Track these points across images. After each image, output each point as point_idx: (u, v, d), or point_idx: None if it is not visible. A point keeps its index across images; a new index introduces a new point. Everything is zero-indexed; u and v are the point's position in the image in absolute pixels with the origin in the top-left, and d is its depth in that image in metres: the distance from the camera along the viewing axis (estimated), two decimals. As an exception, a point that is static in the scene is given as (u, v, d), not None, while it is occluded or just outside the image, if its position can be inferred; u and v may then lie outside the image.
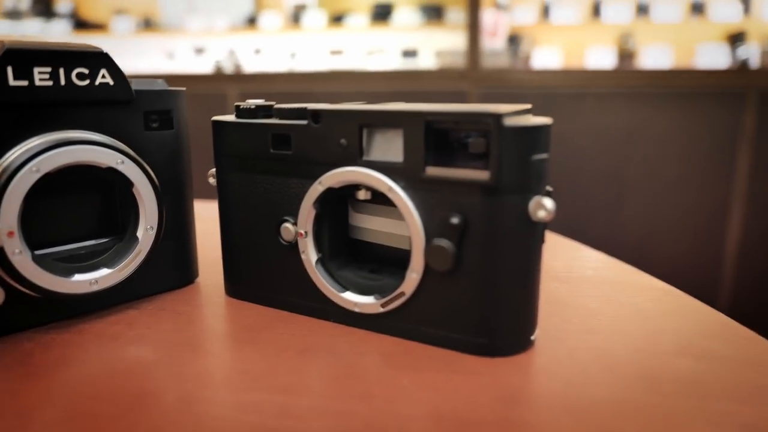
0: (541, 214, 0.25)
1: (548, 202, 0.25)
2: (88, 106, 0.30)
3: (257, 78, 1.69)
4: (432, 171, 0.26)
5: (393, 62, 2.09)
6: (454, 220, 0.25)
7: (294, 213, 0.30)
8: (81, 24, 2.29)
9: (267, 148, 0.30)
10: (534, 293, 0.27)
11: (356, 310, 0.29)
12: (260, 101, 0.32)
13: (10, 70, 0.27)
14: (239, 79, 1.70)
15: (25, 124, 0.28)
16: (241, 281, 0.34)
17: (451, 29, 1.93)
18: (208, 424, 0.22)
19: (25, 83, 0.28)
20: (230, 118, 0.32)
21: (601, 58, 1.93)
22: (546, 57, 1.93)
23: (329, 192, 0.29)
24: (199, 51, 2.23)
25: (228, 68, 2.09)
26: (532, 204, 0.25)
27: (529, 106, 0.27)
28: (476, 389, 0.24)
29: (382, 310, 0.28)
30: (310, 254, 0.30)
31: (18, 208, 0.27)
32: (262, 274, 0.33)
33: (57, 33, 2.23)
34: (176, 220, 0.35)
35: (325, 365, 0.27)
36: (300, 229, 0.30)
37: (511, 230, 0.25)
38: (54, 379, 0.25)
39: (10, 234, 0.27)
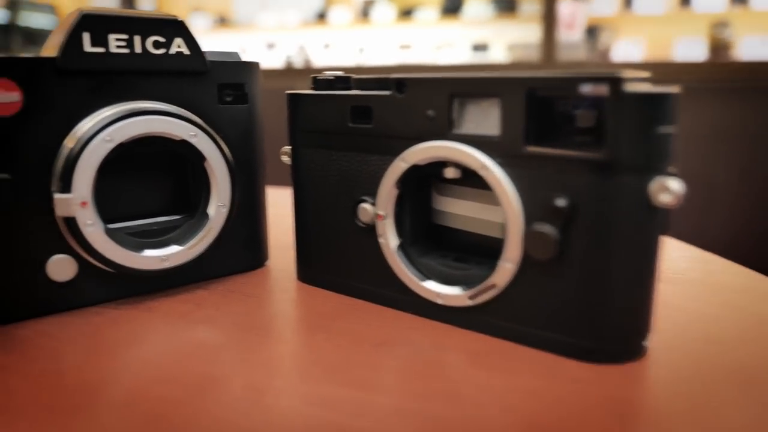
0: (665, 198, 0.21)
1: (674, 184, 0.21)
2: (162, 77, 0.29)
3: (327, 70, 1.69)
4: (534, 146, 0.23)
5: (463, 56, 2.04)
6: (560, 203, 0.22)
7: (373, 192, 0.28)
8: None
9: (345, 122, 0.28)
10: (650, 291, 0.23)
11: (439, 301, 0.27)
12: (339, 72, 0.30)
13: (86, 36, 0.26)
14: (309, 73, 1.70)
15: (99, 92, 0.27)
16: (314, 266, 0.32)
17: (525, 21, 1.86)
18: (277, 417, 0.20)
19: (101, 50, 0.27)
20: (307, 90, 0.30)
21: (691, 49, 1.80)
22: (627, 49, 1.83)
23: (413, 170, 0.26)
24: (271, 46, 2.26)
25: (298, 63, 2.11)
26: (653, 186, 0.21)
27: (647, 73, 0.23)
28: (580, 400, 0.21)
29: (469, 303, 0.26)
30: (389, 238, 0.28)
31: (91, 178, 0.26)
32: (335, 259, 0.30)
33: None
34: (248, 199, 0.33)
35: (404, 360, 0.24)
36: (379, 210, 0.28)
37: (627, 216, 0.22)
38: (120, 356, 0.24)
39: (83, 204, 0.26)
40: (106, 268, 0.28)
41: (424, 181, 0.28)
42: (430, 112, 0.25)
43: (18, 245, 0.26)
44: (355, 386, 0.22)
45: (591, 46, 1.78)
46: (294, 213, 0.32)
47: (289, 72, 1.76)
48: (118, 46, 0.27)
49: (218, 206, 0.30)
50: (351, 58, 2.15)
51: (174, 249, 0.29)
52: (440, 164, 0.26)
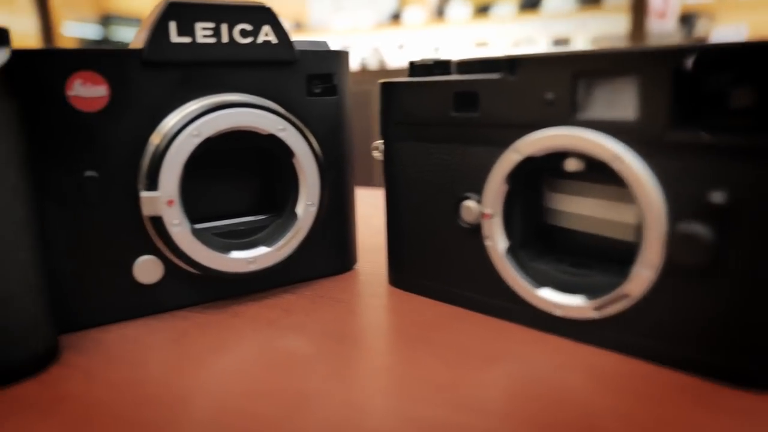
0: None
1: None
2: (249, 67, 0.27)
3: (401, 73, 1.67)
4: (681, 131, 0.19)
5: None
6: (716, 199, 0.18)
7: (478, 189, 0.25)
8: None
9: (447, 111, 0.25)
10: (831, 306, 0.19)
11: (557, 312, 0.23)
12: (437, 57, 0.27)
13: (173, 25, 0.25)
14: (383, 75, 1.69)
15: (185, 85, 0.26)
16: (408, 270, 0.29)
17: (611, 12, 1.76)
18: (383, 444, 0.17)
19: (187, 40, 0.25)
20: (402, 78, 0.28)
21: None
22: (727, 37, 1.69)
23: (526, 163, 0.23)
24: (345, 49, 2.28)
25: (372, 65, 2.11)
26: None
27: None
28: (751, 437, 0.17)
29: (594, 315, 0.22)
30: (497, 240, 0.24)
31: (178, 175, 0.25)
32: (433, 263, 0.28)
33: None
34: (336, 198, 0.31)
35: (518, 380, 0.21)
36: (486, 208, 0.25)
37: (806, 214, 0.18)
38: (207, 366, 0.22)
39: (170, 203, 0.25)
40: (192, 270, 0.27)
41: (536, 176, 0.25)
42: (549, 95, 0.22)
43: (105, 246, 0.25)
44: (467, 408, 0.19)
45: (686, 34, 1.66)
46: (386, 213, 0.30)
47: (363, 73, 1.76)
48: (205, 36, 0.26)
49: (307, 205, 0.28)
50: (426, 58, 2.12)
51: (261, 250, 0.28)
52: (559, 156, 0.22)
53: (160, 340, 0.25)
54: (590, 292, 0.22)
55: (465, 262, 0.26)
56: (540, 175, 0.25)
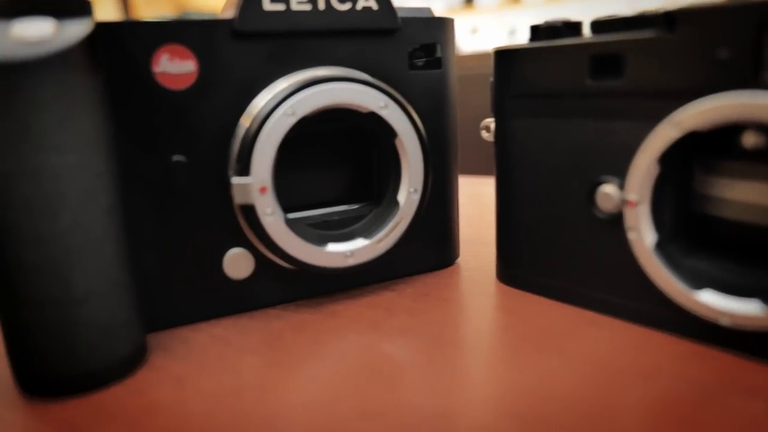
0: None
1: None
2: (347, 38, 0.24)
3: (474, 58, 1.61)
4: None
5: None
6: None
7: (619, 172, 0.21)
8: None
9: (581, 79, 0.21)
10: None
11: (724, 321, 0.19)
12: (564, 19, 0.23)
13: (266, -11, 0.22)
14: (457, 60, 1.64)
15: (278, 59, 0.23)
16: (524, 266, 0.25)
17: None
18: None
19: (281, 8, 0.23)
20: (521, 44, 0.24)
21: None
22: None
23: (687, 139, 0.19)
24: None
25: None
26: None
27: None
28: None
29: (779, 326, 0.18)
30: (643, 233, 0.20)
31: (272, 159, 0.22)
32: (557, 258, 0.24)
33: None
34: (440, 185, 0.28)
35: (686, 403, 0.17)
36: (630, 195, 0.20)
37: None
38: (308, 374, 0.20)
39: (263, 190, 0.22)
40: (285, 265, 0.24)
41: (690, 155, 0.20)
42: (723, 54, 0.18)
43: (192, 237, 0.23)
44: (628, 441, 0.15)
45: None
46: (498, 201, 0.26)
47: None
48: (300, 2, 0.23)
49: (409, 192, 0.25)
50: (500, 42, 2.04)
51: (360, 243, 0.25)
52: (730, 129, 0.18)
53: (254, 342, 0.22)
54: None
55: (599, 258, 0.22)
56: (693, 154, 0.21)
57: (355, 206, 0.27)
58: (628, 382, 0.18)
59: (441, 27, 0.26)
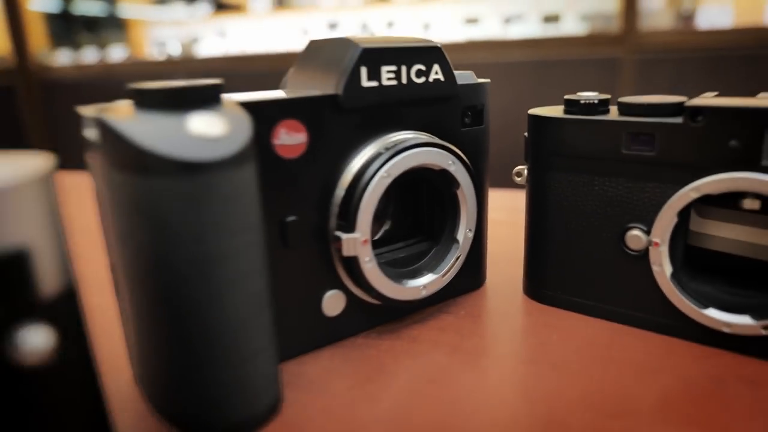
0: None
1: None
2: (419, 105, 0.29)
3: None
4: None
5: (532, 30, 1.98)
6: None
7: (645, 219, 0.27)
8: (220, 6, 2.38)
9: (618, 148, 0.27)
10: None
11: (725, 330, 0.26)
12: (594, 93, 0.29)
13: (364, 71, 0.26)
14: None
15: (367, 126, 0.27)
16: (552, 286, 0.31)
17: (600, -10, 1.78)
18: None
19: (375, 84, 0.26)
20: (557, 113, 0.29)
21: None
22: (714, 15, 1.74)
23: (700, 199, 0.25)
24: (333, 26, 2.24)
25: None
26: None
27: None
28: None
29: (763, 332, 0.25)
30: (664, 266, 0.27)
31: (371, 215, 0.26)
32: (586, 281, 0.30)
33: (200, 15, 2.34)
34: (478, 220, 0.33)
35: (708, 388, 0.24)
36: (654, 238, 0.27)
37: None
38: (441, 405, 0.24)
39: (365, 242, 0.26)
40: (372, 301, 0.28)
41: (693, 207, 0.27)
42: (733, 143, 0.24)
43: (299, 285, 0.27)
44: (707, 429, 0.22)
45: (674, 13, 1.70)
46: (528, 233, 0.32)
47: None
48: (389, 78, 0.27)
49: (466, 231, 0.30)
50: (416, 36, 2.11)
51: (430, 278, 0.30)
52: (734, 195, 0.25)
53: (362, 370, 0.26)
54: (755, 312, 0.25)
55: (626, 283, 0.29)
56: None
57: (408, 242, 0.31)
58: (664, 377, 0.25)
59: (483, 90, 0.31)
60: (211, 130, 0.20)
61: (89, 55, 2.09)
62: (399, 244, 0.31)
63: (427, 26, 2.12)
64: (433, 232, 0.31)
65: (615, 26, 1.44)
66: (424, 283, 0.29)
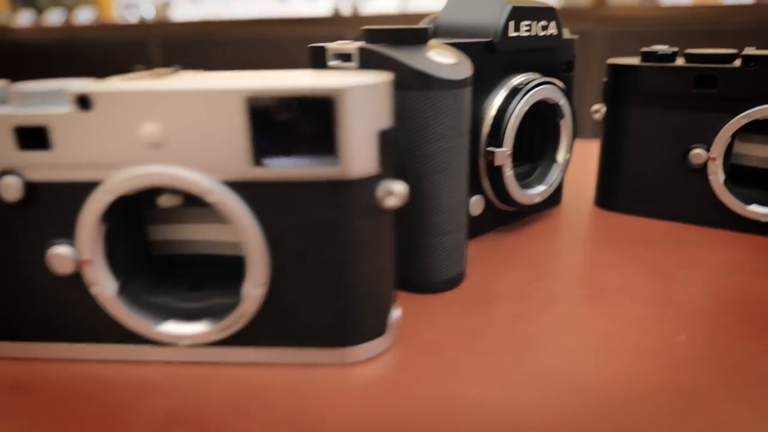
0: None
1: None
2: (539, 53, 0.37)
3: (373, 19, 1.73)
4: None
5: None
6: None
7: (705, 141, 0.37)
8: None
9: (686, 88, 0.37)
10: None
11: (763, 220, 0.36)
12: (666, 47, 0.38)
13: (511, 24, 0.34)
14: (358, 21, 1.74)
15: (508, 67, 0.35)
16: (623, 195, 0.41)
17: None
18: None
19: (516, 34, 0.34)
20: (635, 61, 0.39)
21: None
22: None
23: (751, 123, 0.35)
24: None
25: (345, 11, 2.12)
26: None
27: None
28: None
29: (797, 220, 0.35)
30: (719, 175, 0.37)
31: (514, 133, 0.35)
32: (653, 191, 0.40)
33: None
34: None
35: (761, 261, 0.34)
36: (713, 154, 0.37)
37: None
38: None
39: (509, 155, 0.35)
40: (501, 206, 0.37)
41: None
42: None
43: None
44: (747, 279, 0.31)
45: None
46: (604, 157, 0.42)
47: (336, 20, 1.79)
48: (525, 30, 0.35)
49: (564, 154, 0.39)
50: (398, 3, 2.15)
51: (541, 188, 0.38)
52: (774, 119, 0.35)
53: (500, 256, 0.35)
54: None
55: (687, 191, 0.38)
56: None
57: (516, 164, 0.39)
58: (723, 252, 0.35)
59: (573, 44, 0.40)
60: (447, 59, 0.28)
61: (54, 17, 2.03)
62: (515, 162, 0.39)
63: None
64: (533, 156, 0.40)
65: (586, 1, 1.55)
66: (539, 191, 0.38)
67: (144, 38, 1.89)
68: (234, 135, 0.21)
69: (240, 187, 0.21)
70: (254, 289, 0.23)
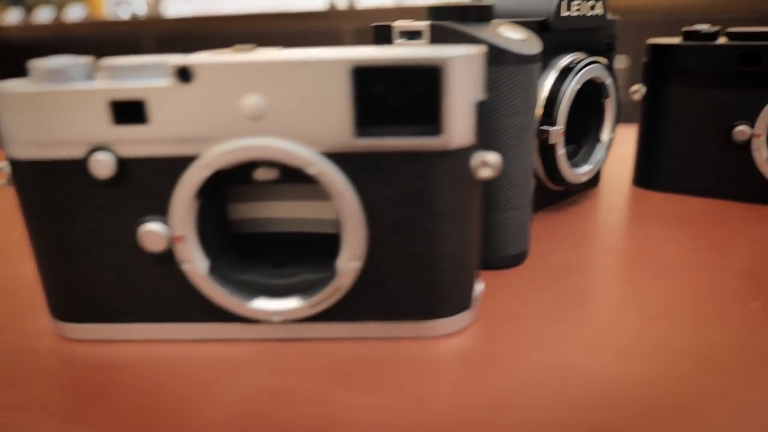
0: None
1: None
2: (587, 31, 0.37)
3: (370, 13, 1.73)
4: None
5: None
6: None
7: (749, 118, 0.37)
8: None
9: (730, 66, 0.37)
10: None
11: (807, 195, 0.37)
12: (708, 25, 0.39)
13: (564, 3, 0.34)
14: (353, 14, 1.73)
15: (559, 45, 0.35)
16: (663, 175, 0.42)
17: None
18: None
19: (567, 14, 0.35)
20: (676, 40, 0.39)
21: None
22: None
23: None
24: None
25: (341, 4, 2.12)
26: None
27: None
28: None
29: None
30: (763, 151, 0.37)
31: (567, 112, 0.35)
32: (695, 168, 0.40)
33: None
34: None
35: (808, 234, 0.34)
36: (757, 131, 0.37)
37: None
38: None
39: (562, 134, 0.35)
40: (551, 185, 0.37)
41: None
42: (824, 56, 0.35)
43: (512, 166, 0.35)
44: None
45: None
46: (642, 132, 0.42)
47: (332, 14, 1.79)
48: (576, 10, 0.35)
49: (609, 133, 0.40)
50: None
51: (587, 168, 0.39)
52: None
53: (553, 234, 0.35)
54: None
55: (729, 167, 0.39)
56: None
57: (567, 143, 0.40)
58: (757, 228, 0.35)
59: (615, 24, 0.40)
60: (518, 35, 0.28)
61: (43, 15, 2.00)
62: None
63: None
64: (577, 136, 0.40)
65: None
66: (585, 170, 0.38)
67: (137, 35, 1.87)
68: (338, 106, 0.21)
69: (340, 158, 0.21)
70: (350, 262, 0.22)
